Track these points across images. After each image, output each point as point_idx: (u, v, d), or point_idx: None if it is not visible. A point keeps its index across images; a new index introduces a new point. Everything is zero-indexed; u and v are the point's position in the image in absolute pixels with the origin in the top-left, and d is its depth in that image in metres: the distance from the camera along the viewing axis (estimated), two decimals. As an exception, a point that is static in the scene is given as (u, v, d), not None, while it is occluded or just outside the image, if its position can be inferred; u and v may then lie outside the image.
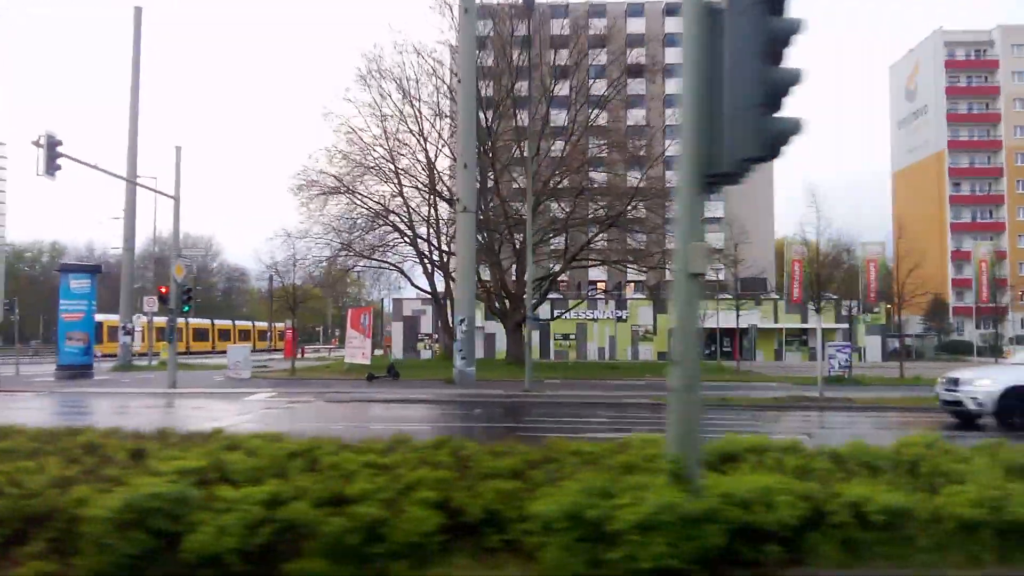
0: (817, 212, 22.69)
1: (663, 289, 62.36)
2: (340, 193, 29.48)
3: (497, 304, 33.21)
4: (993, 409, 12.52)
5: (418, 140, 33.60)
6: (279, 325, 72.39)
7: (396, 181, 34.55)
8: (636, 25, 64.38)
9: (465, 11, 21.58)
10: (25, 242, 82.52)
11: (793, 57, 4.49)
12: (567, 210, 34.27)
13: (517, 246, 33.09)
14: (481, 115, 32.45)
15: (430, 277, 37.96)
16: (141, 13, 31.21)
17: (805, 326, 55.68)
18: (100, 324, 32.38)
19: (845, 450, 5.34)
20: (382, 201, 31.78)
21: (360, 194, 31.16)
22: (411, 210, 35.31)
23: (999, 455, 5.25)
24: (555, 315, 56.00)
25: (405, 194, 33.25)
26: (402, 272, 37.88)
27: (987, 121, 69.31)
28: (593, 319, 55.83)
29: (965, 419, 13.33)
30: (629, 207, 31.92)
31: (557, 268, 35.19)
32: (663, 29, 64.28)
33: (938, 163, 69.93)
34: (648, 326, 55.72)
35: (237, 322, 59.02)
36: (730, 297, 59.13)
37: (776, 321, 55.17)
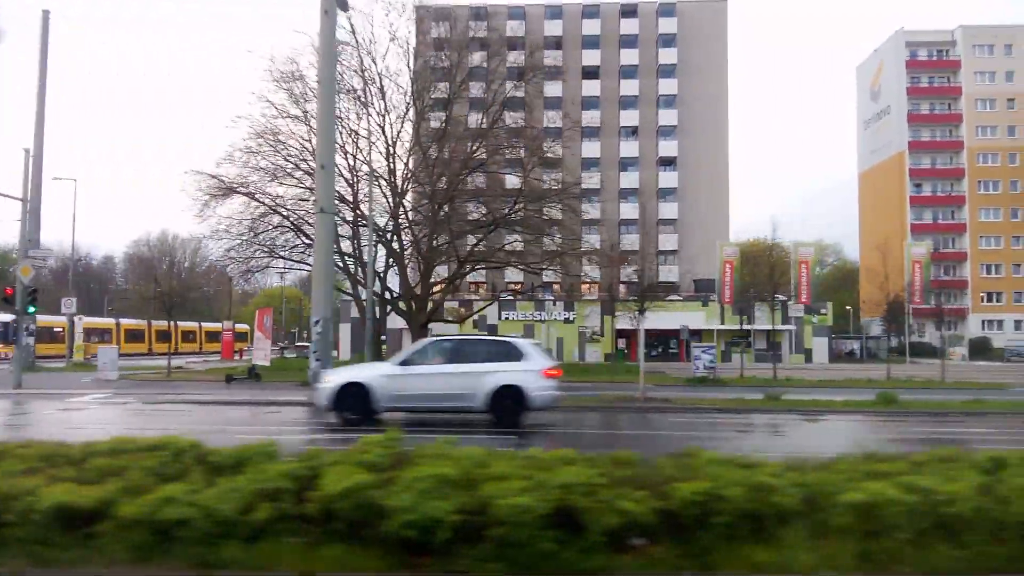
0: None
1: (614, 291, 62.38)
2: (240, 194, 29.52)
3: (403, 306, 33.30)
4: (331, 404, 13.15)
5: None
6: (244, 327, 72.80)
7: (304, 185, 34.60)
8: (553, 28, 64.39)
9: (325, 12, 21.61)
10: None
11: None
12: (478, 212, 34.28)
13: (423, 249, 33.19)
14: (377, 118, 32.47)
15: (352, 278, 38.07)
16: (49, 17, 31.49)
17: (750, 327, 55.56)
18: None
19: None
20: (283, 204, 31.88)
21: (264, 196, 31.22)
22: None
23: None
24: (502, 317, 56.25)
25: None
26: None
27: (949, 121, 68.98)
28: (541, 320, 55.89)
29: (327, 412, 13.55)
30: (516, 209, 31.78)
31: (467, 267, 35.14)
32: (580, 31, 64.21)
33: (900, 164, 69.65)
34: (596, 328, 55.71)
35: (181, 324, 58.77)
36: (679, 298, 59.22)
37: (722, 322, 55.04)
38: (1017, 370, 41.77)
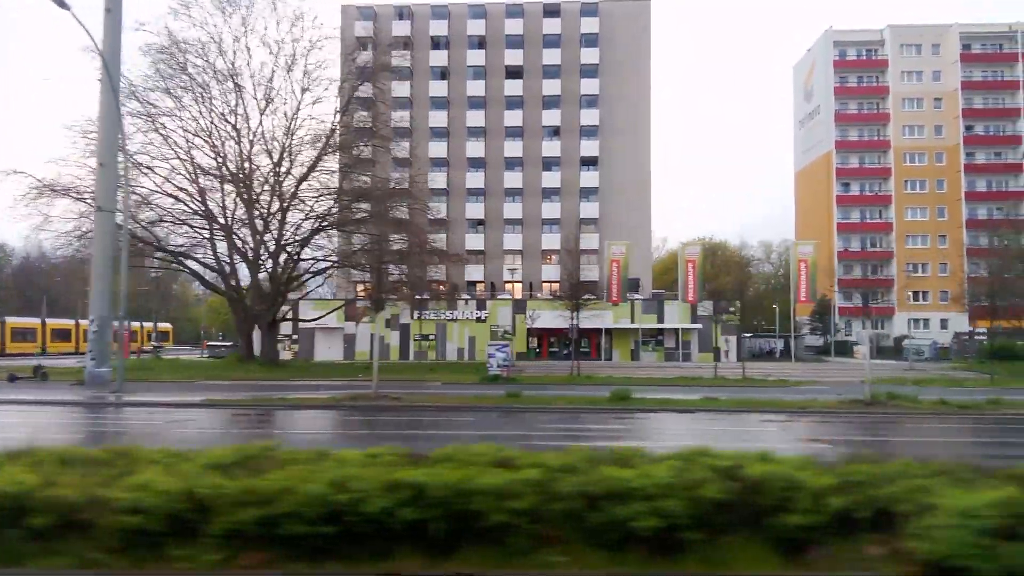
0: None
1: (533, 290, 62.57)
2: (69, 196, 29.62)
3: (251, 304, 33.46)
4: None
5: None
6: (165, 325, 72.91)
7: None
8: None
9: (108, 11, 21.77)
10: None
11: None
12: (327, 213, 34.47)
13: (272, 249, 33.34)
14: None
15: (227, 277, 38.16)
16: None
17: (661, 326, 55.77)
18: None
19: None
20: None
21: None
22: (226, 210, 35.24)
23: None
24: (415, 316, 56.30)
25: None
26: (193, 272, 38.08)
27: (876, 121, 69.01)
28: (453, 319, 55.98)
29: None
30: (351, 210, 31.98)
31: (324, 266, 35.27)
32: (504, 31, 64.24)
33: (828, 163, 69.74)
34: (507, 326, 55.83)
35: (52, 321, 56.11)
36: (594, 298, 59.26)
37: (632, 321, 55.16)
38: (893, 368, 41.82)
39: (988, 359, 42.81)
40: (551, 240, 62.26)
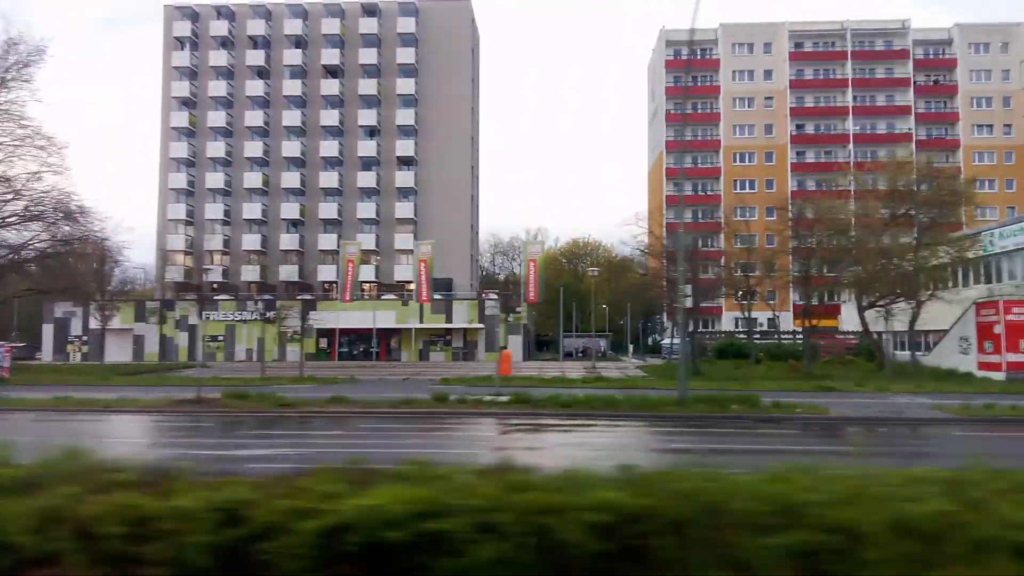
0: None
1: (314, 290, 62.27)
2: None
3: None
4: None
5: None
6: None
7: None
8: (293, 27, 64.32)
9: None
10: None
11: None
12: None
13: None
14: None
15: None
16: None
17: (449, 326, 55.47)
18: None
19: None
20: None
21: None
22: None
23: None
24: (203, 317, 56.06)
25: None
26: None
27: (707, 121, 68.76)
28: (242, 320, 55.77)
29: None
30: None
31: None
32: (321, 30, 64.15)
33: (661, 163, 69.49)
34: (296, 328, 55.52)
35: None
36: (392, 298, 59.00)
37: (421, 321, 54.88)
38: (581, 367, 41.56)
39: (709, 357, 43.05)
40: (369, 241, 62.02)
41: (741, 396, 17.60)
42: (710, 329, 66.65)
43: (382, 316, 53.50)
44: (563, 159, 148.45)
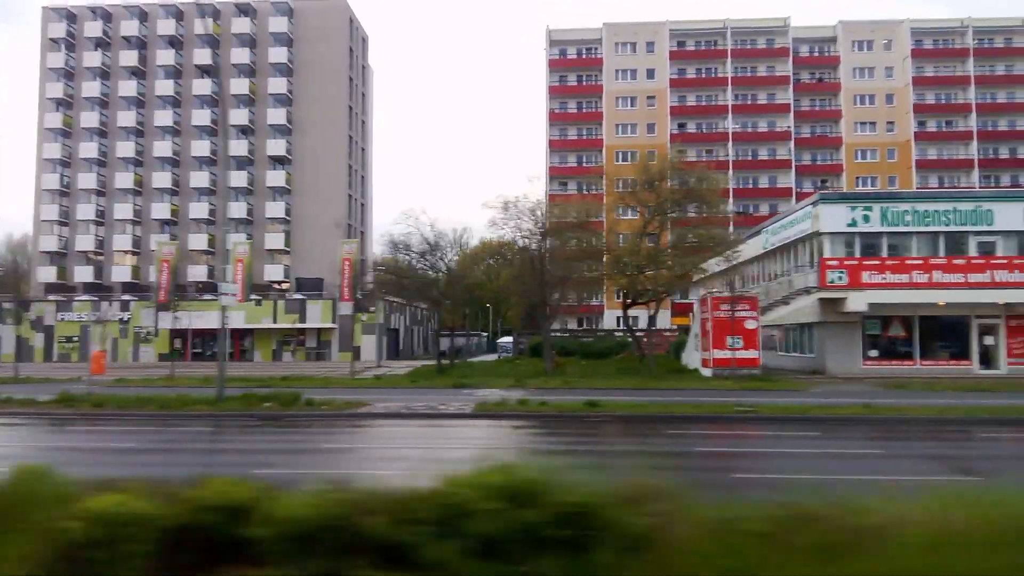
0: None
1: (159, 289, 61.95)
2: None
3: None
4: None
5: None
6: None
7: None
8: (166, 27, 64.03)
9: None
10: None
11: None
12: None
13: None
14: None
15: None
16: None
17: (303, 326, 55.21)
18: None
19: None
20: None
21: None
22: None
23: None
24: (59, 317, 55.85)
25: None
26: None
27: (591, 120, 68.56)
28: (98, 321, 55.32)
29: None
30: None
31: None
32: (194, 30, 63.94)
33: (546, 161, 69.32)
34: (151, 328, 55.30)
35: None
36: (259, 299, 58.62)
37: (275, 321, 54.62)
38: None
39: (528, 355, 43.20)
40: (238, 239, 61.63)
41: (283, 394, 17.35)
42: (594, 328, 66.44)
43: (234, 316, 53.09)
44: (470, 155, 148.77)
